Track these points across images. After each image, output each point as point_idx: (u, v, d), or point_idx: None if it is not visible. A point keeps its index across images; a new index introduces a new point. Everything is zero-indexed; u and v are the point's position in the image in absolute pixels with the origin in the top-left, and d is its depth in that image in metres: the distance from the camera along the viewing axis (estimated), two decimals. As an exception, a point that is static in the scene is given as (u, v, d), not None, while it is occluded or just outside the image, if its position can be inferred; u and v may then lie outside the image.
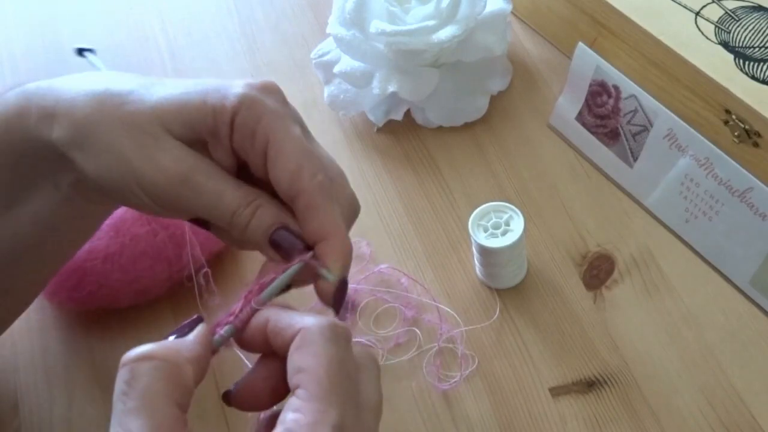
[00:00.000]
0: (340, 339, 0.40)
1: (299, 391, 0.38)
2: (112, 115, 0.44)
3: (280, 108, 0.45)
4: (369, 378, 0.41)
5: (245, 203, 0.44)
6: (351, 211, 0.47)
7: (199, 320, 0.41)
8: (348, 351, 0.40)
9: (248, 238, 0.45)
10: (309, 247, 0.44)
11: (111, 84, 0.46)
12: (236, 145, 0.45)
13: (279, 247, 0.44)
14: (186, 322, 0.41)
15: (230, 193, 0.44)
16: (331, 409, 0.37)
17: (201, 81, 0.46)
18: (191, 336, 0.40)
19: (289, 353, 0.40)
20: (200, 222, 0.47)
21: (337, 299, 0.45)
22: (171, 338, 0.40)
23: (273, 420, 0.39)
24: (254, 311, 0.42)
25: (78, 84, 0.46)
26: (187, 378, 0.38)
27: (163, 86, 0.46)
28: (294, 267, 0.44)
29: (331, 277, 0.44)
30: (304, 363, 0.39)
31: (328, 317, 0.41)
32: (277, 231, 0.44)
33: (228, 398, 0.42)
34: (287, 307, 0.43)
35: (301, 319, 0.41)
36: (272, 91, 0.46)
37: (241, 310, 0.42)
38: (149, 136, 0.44)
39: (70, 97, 0.45)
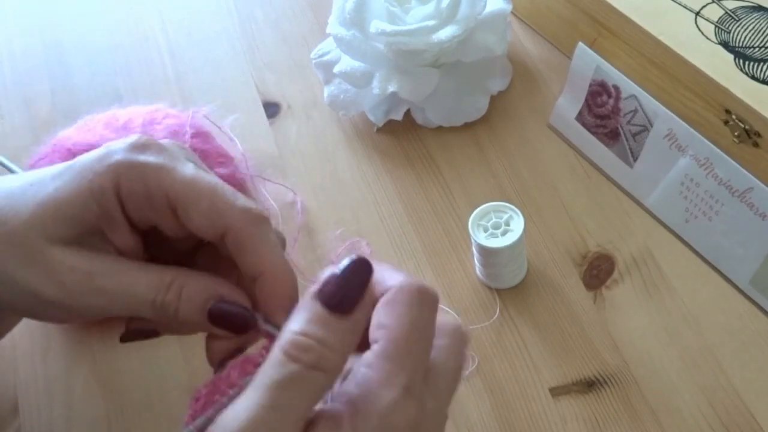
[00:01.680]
0: (425, 304, 0.38)
1: (376, 347, 0.37)
2: None
3: (161, 159, 0.42)
4: (448, 346, 0.40)
5: (164, 287, 0.41)
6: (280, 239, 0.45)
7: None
8: (431, 317, 0.39)
9: (184, 324, 0.42)
10: (255, 308, 0.41)
11: None
12: (135, 217, 0.42)
13: (224, 323, 0.41)
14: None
15: (141, 282, 0.41)
16: (402, 372, 0.37)
17: (68, 165, 0.43)
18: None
19: (377, 307, 0.38)
20: (139, 335, 0.44)
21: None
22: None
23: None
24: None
25: None
26: None
27: (31, 189, 0.42)
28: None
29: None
30: (387, 321, 0.37)
31: (421, 280, 0.40)
32: (215, 307, 0.41)
33: None
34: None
35: (394, 276, 0.39)
36: (147, 145, 0.42)
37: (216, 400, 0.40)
38: (33, 251, 0.41)
39: None
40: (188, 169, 0.42)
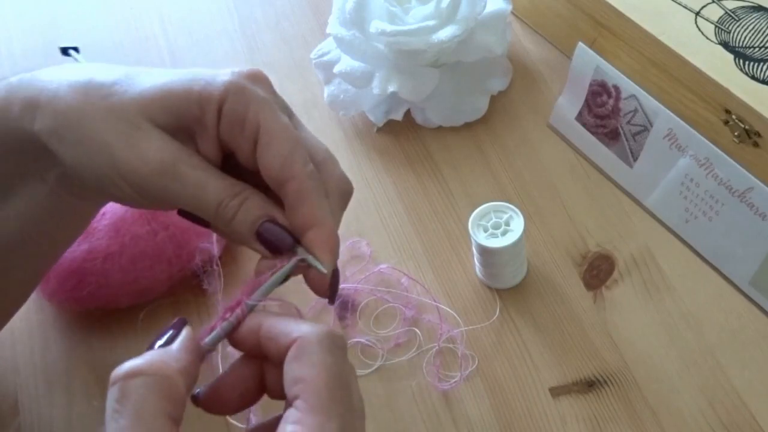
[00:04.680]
0: (337, 349, 0.40)
1: (298, 403, 0.38)
2: (95, 106, 0.44)
3: (268, 96, 0.45)
4: (355, 382, 0.41)
5: (231, 194, 0.44)
6: (343, 191, 0.47)
7: (183, 323, 0.41)
8: (345, 360, 0.40)
9: (234, 230, 0.44)
10: (297, 240, 0.44)
11: (95, 74, 0.45)
12: (224, 134, 0.45)
13: (266, 241, 0.44)
14: (169, 326, 0.41)
15: (215, 184, 0.44)
16: (331, 422, 0.37)
17: (188, 70, 0.46)
18: (177, 344, 0.40)
19: (287, 362, 0.39)
20: (196, 218, 0.47)
21: (332, 290, 0.44)
22: (157, 345, 0.40)
23: (268, 429, 0.39)
24: (248, 311, 0.42)
25: (62, 74, 0.46)
26: (179, 390, 0.38)
27: (149, 76, 0.45)
28: (288, 265, 0.43)
29: (324, 269, 0.43)
30: (303, 373, 0.38)
31: (324, 326, 0.41)
32: (265, 224, 0.44)
33: (196, 400, 0.42)
34: (284, 304, 0.43)
35: (298, 327, 0.40)
36: (260, 79, 0.46)
37: (231, 311, 0.42)
38: (132, 126, 0.44)
39: (54, 87, 0.45)
40: (285, 118, 0.45)
